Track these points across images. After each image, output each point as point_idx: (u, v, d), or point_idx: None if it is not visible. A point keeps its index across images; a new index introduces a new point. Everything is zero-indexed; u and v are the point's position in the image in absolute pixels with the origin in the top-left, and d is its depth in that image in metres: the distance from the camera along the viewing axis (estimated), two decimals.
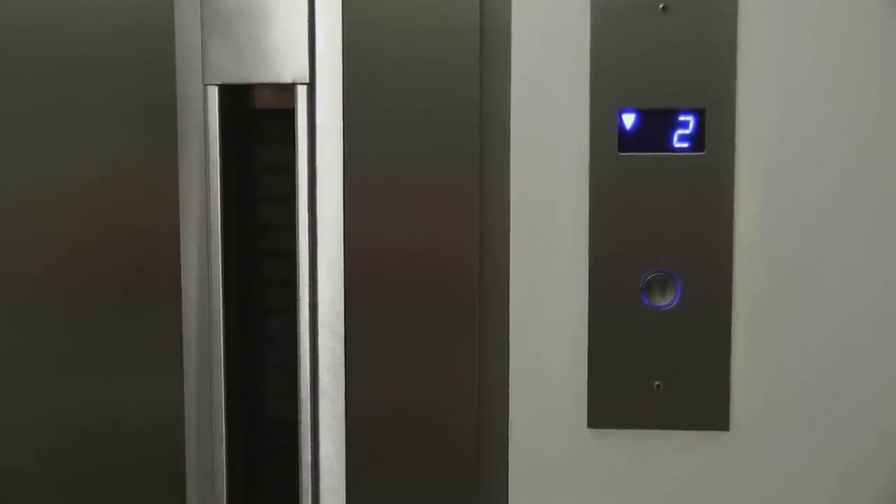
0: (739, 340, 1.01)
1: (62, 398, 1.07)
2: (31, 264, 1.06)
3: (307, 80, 1.01)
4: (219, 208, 1.03)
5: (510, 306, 1.03)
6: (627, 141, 1.00)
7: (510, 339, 1.03)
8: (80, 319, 1.06)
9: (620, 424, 1.02)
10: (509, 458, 1.04)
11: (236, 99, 1.04)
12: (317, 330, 1.04)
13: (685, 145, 0.99)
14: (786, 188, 1.00)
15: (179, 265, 1.05)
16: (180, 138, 1.04)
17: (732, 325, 1.01)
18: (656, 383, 1.01)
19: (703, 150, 0.99)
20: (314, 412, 1.04)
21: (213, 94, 1.02)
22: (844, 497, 1.02)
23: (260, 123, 1.07)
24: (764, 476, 1.02)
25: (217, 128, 1.02)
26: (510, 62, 1.01)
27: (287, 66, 1.01)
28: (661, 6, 0.98)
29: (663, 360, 1.01)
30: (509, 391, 1.03)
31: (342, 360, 1.04)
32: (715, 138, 0.99)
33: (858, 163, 0.99)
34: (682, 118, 0.99)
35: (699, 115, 0.99)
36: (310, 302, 1.03)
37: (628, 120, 1.00)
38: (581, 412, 1.03)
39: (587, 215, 1.01)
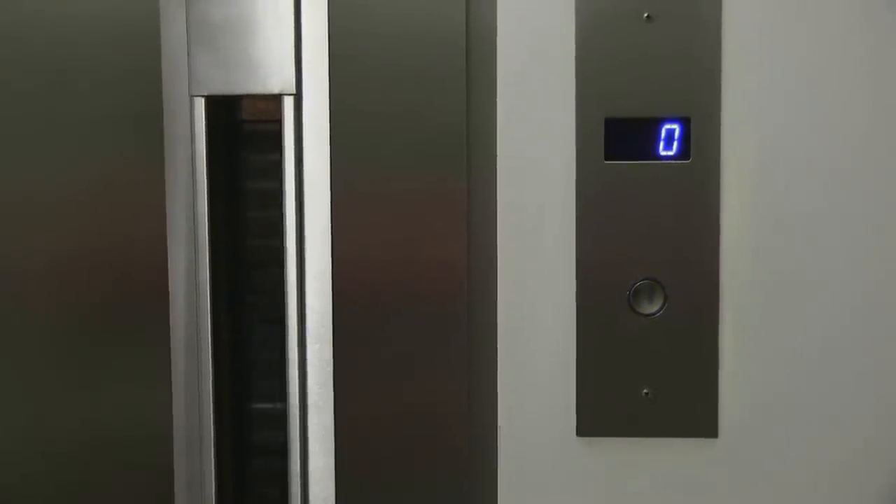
0: (727, 347, 1.01)
1: (48, 408, 1.07)
2: (16, 274, 1.06)
3: (294, 91, 1.01)
4: (206, 219, 1.02)
5: (498, 314, 1.03)
6: (613, 149, 1.00)
7: (499, 348, 1.03)
8: (66, 329, 1.06)
9: (609, 432, 1.02)
10: (499, 466, 1.04)
11: (223, 110, 1.04)
12: (305, 340, 1.04)
13: (671, 153, 0.99)
14: (771, 195, 1.00)
15: (167, 276, 1.05)
16: (167, 149, 1.04)
17: (720, 332, 1.01)
18: (645, 391, 1.01)
19: (688, 158, 0.99)
20: (303, 422, 1.04)
21: (200, 105, 1.02)
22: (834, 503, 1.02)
23: (247, 134, 1.07)
24: (753, 483, 1.02)
25: (204, 139, 1.02)
26: (496, 70, 1.01)
27: (274, 76, 1.01)
28: (645, 15, 0.99)
29: (651, 367, 1.01)
30: (498, 400, 1.03)
31: (331, 370, 1.04)
32: (700, 146, 0.99)
33: (844, 169, 0.99)
34: (667, 126, 0.99)
35: (684, 122, 0.99)
36: (298, 311, 1.03)
37: (614, 128, 1.00)
38: (570, 420, 1.03)
39: (574, 223, 1.01)
